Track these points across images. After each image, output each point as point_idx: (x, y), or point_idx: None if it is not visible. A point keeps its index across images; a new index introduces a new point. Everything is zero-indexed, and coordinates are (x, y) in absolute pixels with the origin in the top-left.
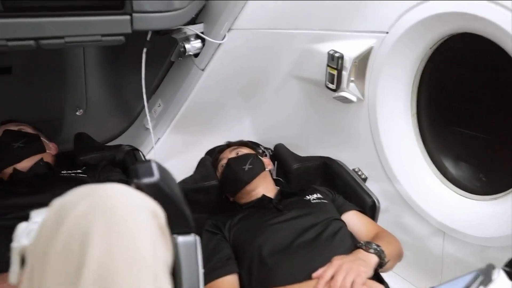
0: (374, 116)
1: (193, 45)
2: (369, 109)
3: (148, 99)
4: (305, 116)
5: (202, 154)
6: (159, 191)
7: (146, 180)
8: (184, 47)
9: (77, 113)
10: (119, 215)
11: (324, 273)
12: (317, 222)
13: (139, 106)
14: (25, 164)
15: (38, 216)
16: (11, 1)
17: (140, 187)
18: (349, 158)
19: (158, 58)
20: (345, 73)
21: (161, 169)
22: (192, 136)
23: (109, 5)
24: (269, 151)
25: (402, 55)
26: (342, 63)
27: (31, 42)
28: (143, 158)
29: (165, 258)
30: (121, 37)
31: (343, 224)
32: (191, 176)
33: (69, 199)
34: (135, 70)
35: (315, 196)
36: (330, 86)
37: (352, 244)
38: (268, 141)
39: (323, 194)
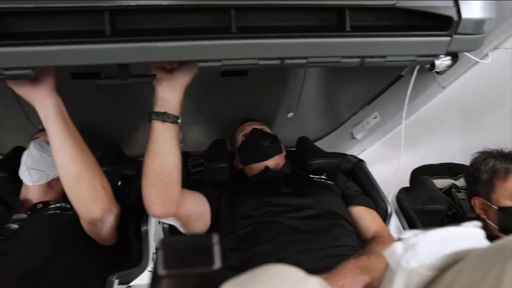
0: None
1: (442, 62)
2: None
3: (360, 109)
4: None
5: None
6: None
7: None
8: (433, 64)
9: (288, 115)
10: None
11: None
12: None
13: (346, 114)
14: (270, 163)
15: (417, 240)
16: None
17: None
18: None
19: (380, 72)
20: None
21: None
22: (393, 150)
23: (436, 26)
24: None
25: None
26: None
27: (357, 60)
28: (369, 170)
29: None
30: (432, 58)
31: None
32: (409, 194)
33: None
34: (351, 80)
35: None
36: None
37: None
38: None
39: None
